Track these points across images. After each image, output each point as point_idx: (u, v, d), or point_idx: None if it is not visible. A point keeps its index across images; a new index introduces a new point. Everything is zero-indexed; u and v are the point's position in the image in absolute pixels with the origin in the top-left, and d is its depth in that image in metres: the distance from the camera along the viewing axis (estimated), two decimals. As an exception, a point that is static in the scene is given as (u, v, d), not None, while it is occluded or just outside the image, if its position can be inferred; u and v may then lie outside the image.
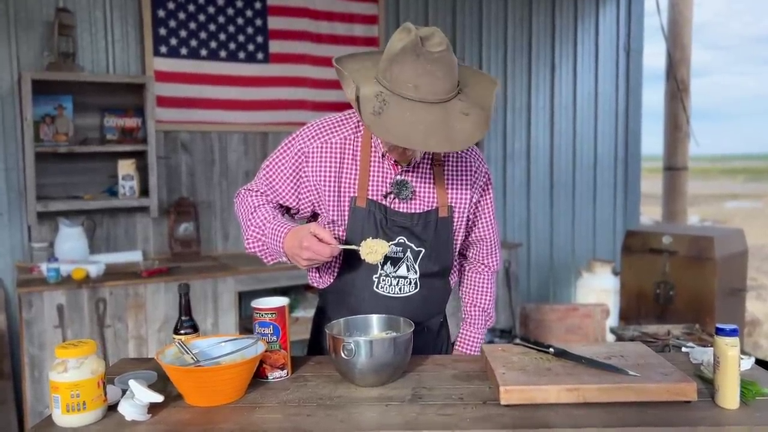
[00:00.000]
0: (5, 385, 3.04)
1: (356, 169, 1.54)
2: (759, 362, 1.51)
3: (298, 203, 1.58)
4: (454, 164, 1.60)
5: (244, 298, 3.38)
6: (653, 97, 5.66)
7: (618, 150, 5.30)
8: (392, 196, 1.54)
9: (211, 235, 3.65)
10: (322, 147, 1.54)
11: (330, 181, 1.53)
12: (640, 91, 5.39)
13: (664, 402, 1.21)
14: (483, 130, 1.39)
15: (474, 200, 1.63)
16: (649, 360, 1.34)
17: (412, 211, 1.55)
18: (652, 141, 6.09)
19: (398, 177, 1.54)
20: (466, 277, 1.79)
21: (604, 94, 5.18)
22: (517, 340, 1.46)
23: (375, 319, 1.47)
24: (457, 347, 1.76)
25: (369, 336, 1.43)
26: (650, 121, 5.90)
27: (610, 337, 3.69)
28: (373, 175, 1.54)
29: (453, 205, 1.59)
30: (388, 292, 1.55)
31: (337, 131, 1.56)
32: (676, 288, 3.73)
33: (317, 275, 1.65)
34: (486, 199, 1.68)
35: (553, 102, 4.91)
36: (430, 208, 1.56)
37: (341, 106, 4.15)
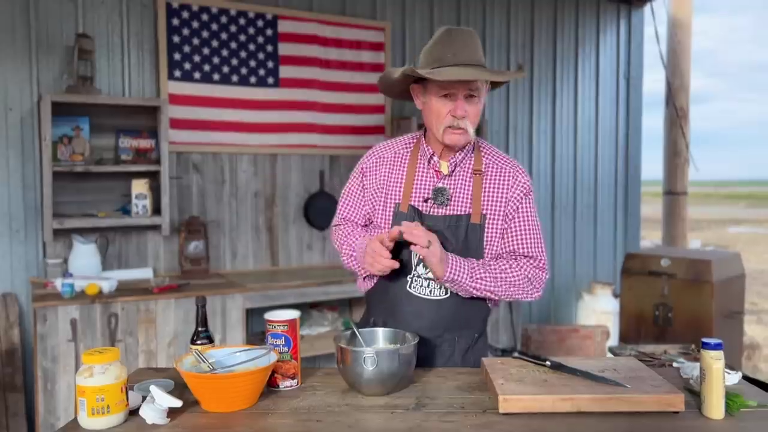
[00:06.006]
0: (17, 398, 3.10)
1: (403, 178, 1.71)
2: (758, 384, 1.58)
3: (370, 213, 1.76)
4: (494, 174, 1.70)
5: (252, 315, 3.45)
6: (654, 123, 5.77)
7: (618, 174, 5.40)
8: (431, 201, 1.67)
9: (220, 253, 3.74)
10: (377, 162, 1.75)
11: (382, 189, 1.72)
12: (639, 117, 5.50)
13: (653, 412, 1.28)
14: (514, 77, 1.73)
15: (508, 211, 1.68)
16: (640, 373, 1.42)
17: (444, 214, 1.67)
18: (652, 166, 6.19)
19: (438, 184, 1.69)
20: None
21: (604, 120, 5.29)
22: (516, 354, 1.54)
23: (381, 332, 1.56)
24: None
25: (375, 347, 1.51)
26: (651, 146, 6.00)
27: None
28: (417, 182, 1.70)
29: (486, 213, 1.67)
30: (420, 293, 1.66)
31: (390, 148, 1.77)
32: (674, 310, 3.79)
33: (361, 280, 1.80)
34: (520, 210, 1.68)
35: (555, 126, 5.03)
36: (461, 213, 1.67)
37: (349, 129, 4.27)
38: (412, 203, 1.68)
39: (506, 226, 1.68)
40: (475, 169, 1.69)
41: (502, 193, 1.68)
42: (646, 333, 3.91)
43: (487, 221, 1.67)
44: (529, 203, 1.70)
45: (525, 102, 4.87)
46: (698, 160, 5.47)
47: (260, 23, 3.76)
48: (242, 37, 3.72)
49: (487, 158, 1.72)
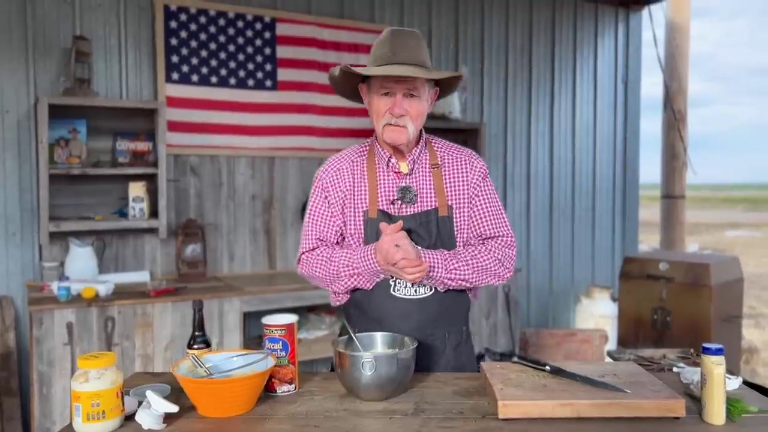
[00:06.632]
0: (12, 402, 3.08)
1: (366, 185, 1.70)
2: (758, 389, 1.57)
3: (342, 228, 1.73)
4: (450, 165, 1.74)
5: (249, 319, 3.43)
6: (652, 126, 5.78)
7: (616, 178, 5.40)
8: (399, 202, 1.68)
9: (217, 256, 3.72)
10: (335, 175, 1.72)
11: (347, 201, 1.70)
12: (637, 121, 5.51)
13: (654, 417, 1.27)
14: (444, 76, 1.67)
15: (471, 196, 1.72)
16: (640, 378, 1.41)
17: (413, 212, 1.68)
18: (650, 169, 6.20)
19: (402, 184, 1.69)
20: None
21: (602, 123, 5.29)
22: (515, 359, 1.53)
23: (379, 337, 1.55)
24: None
25: (374, 352, 1.50)
26: (649, 149, 6.01)
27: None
28: (381, 186, 1.70)
29: (452, 204, 1.70)
30: (405, 294, 1.65)
31: (345, 159, 1.75)
32: (673, 314, 3.79)
33: (333, 295, 1.76)
34: (481, 193, 1.73)
35: (553, 130, 5.02)
36: (429, 208, 1.68)
37: (347, 132, 4.26)
38: (380, 207, 1.68)
39: (470, 211, 1.72)
40: (432, 163, 1.73)
41: (462, 180, 1.72)
42: (644, 337, 3.90)
43: (454, 211, 1.70)
44: (488, 185, 1.76)
45: (523, 105, 4.87)
46: (696, 163, 5.47)
47: (258, 26, 3.75)
48: (240, 40, 3.71)
49: (440, 151, 1.76)
